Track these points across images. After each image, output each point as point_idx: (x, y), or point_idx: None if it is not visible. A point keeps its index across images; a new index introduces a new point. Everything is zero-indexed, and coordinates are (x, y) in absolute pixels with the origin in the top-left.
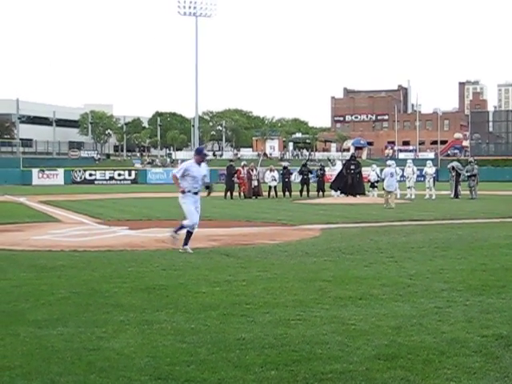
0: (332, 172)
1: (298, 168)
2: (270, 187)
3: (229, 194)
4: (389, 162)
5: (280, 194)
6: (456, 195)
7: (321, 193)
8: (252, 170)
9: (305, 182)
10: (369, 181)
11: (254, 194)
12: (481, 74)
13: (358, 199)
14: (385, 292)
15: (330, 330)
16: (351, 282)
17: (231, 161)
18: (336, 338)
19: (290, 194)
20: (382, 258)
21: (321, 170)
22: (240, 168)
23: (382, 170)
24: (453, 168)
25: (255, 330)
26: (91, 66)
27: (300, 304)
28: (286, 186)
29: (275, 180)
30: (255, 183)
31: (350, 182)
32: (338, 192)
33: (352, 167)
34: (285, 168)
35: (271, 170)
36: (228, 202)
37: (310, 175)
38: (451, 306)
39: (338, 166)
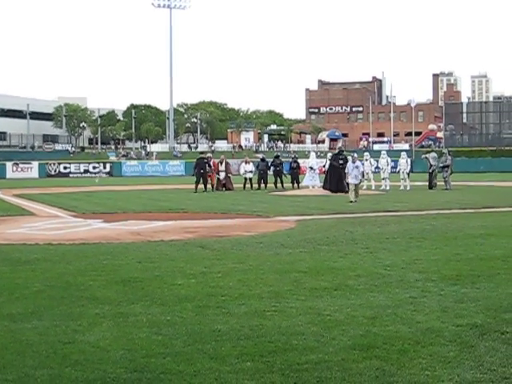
0: (306, 164)
1: (271, 160)
2: (245, 179)
3: (202, 186)
4: (354, 154)
5: (256, 185)
6: (430, 186)
7: (295, 184)
8: (221, 163)
9: (277, 173)
10: (324, 172)
11: (223, 186)
12: (454, 65)
13: None
14: (360, 283)
15: (305, 321)
16: (326, 273)
17: (201, 153)
18: (311, 329)
19: (266, 186)
20: (357, 249)
21: (295, 161)
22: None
23: (363, 164)
24: (426, 158)
25: (231, 322)
26: (65, 59)
27: (275, 295)
28: (262, 177)
29: (251, 172)
30: (222, 176)
31: (338, 177)
32: (316, 182)
33: (340, 162)
34: (262, 160)
35: (246, 162)
36: (202, 195)
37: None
38: (426, 296)
39: (312, 159)
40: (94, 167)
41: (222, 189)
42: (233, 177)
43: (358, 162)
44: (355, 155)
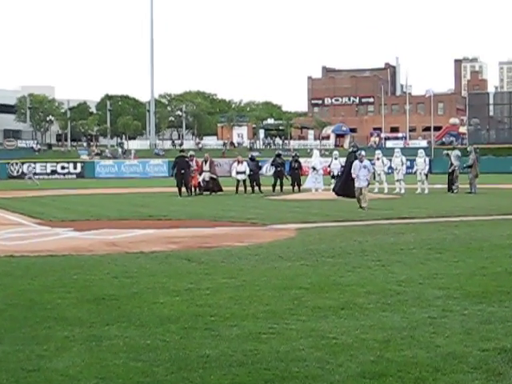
0: (308, 164)
1: (271, 159)
2: (238, 181)
3: (184, 189)
4: (361, 152)
5: (249, 189)
6: (450, 188)
7: (296, 187)
8: (205, 162)
9: (278, 175)
10: (329, 173)
11: (208, 189)
12: (480, 50)
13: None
14: (371, 301)
15: (307, 345)
16: (332, 290)
17: (182, 151)
18: (315, 354)
19: (260, 189)
20: (368, 262)
21: (296, 161)
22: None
23: (374, 163)
24: (447, 155)
25: (221, 346)
26: (30, 43)
27: (273, 315)
28: (254, 179)
29: (243, 173)
30: (207, 176)
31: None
32: (320, 185)
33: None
34: (252, 159)
35: (239, 162)
36: (188, 199)
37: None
38: (447, 316)
39: (315, 158)
40: (63, 167)
41: (204, 192)
42: (220, 178)
43: (366, 161)
44: (362, 153)
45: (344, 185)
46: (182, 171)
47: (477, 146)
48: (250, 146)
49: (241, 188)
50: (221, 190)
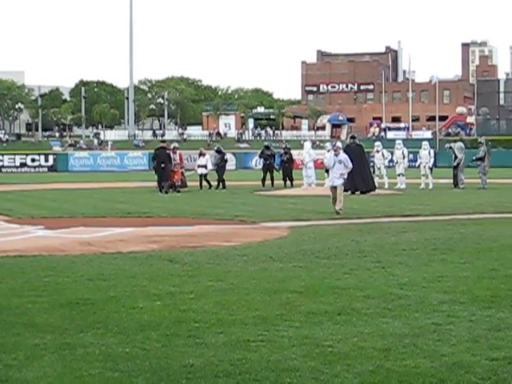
0: (300, 157)
1: (259, 151)
2: (200, 176)
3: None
4: (337, 143)
5: (214, 183)
6: (455, 183)
7: (288, 182)
8: (174, 154)
9: (268, 168)
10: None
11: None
12: (490, 33)
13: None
14: (370, 305)
15: (300, 354)
16: (327, 294)
17: (163, 141)
18: (308, 364)
19: (224, 184)
20: (366, 264)
21: (286, 153)
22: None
23: (373, 156)
24: (450, 148)
25: (206, 355)
26: None
27: (263, 321)
28: (218, 173)
29: (204, 167)
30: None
31: (359, 172)
32: (312, 179)
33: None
34: (218, 151)
35: (201, 155)
36: (170, 195)
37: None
38: (453, 323)
39: (306, 150)
40: (34, 160)
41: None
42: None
43: (342, 155)
44: (338, 144)
45: (362, 180)
46: (163, 165)
47: (486, 137)
48: (238, 137)
49: (204, 183)
50: (181, 185)
